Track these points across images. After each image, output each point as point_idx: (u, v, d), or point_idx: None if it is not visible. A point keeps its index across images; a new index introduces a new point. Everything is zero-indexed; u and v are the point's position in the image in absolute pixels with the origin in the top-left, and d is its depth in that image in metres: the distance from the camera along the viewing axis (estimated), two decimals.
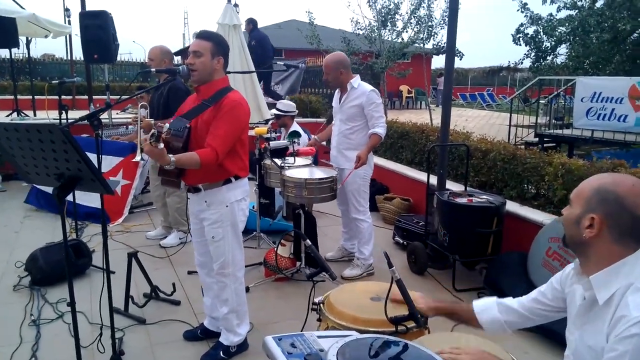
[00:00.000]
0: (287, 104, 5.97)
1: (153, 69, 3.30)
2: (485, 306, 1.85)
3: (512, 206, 4.37)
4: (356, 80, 4.15)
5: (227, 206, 2.85)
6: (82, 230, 5.29)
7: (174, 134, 2.77)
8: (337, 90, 4.33)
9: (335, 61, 4.13)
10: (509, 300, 1.83)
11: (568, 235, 1.55)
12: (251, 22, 10.04)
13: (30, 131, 2.06)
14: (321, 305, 2.05)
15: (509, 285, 3.75)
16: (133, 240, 5.11)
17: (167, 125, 2.67)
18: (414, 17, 10.87)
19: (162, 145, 2.45)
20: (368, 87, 4.12)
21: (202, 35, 2.80)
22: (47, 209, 5.94)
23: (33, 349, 3.12)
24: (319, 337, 1.57)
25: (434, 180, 4.75)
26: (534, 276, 3.75)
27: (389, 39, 11.10)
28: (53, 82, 5.25)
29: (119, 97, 4.23)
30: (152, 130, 2.39)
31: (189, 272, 4.28)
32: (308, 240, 2.18)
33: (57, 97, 4.74)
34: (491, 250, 4.04)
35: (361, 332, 1.77)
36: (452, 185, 4.99)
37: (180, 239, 5.05)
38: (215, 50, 2.76)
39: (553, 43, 13.88)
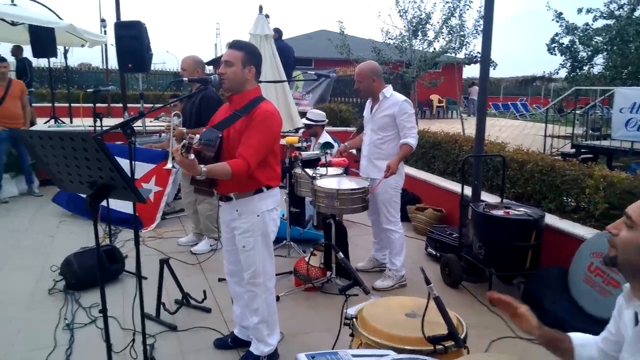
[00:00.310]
0: (317, 114, 5.96)
1: (185, 78, 3.31)
2: (585, 341, 1.71)
3: (551, 219, 4.22)
4: (388, 90, 4.09)
5: (258, 216, 2.82)
6: (116, 236, 5.35)
7: (206, 144, 2.76)
8: (368, 100, 4.28)
9: (369, 69, 4.08)
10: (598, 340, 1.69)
11: (626, 259, 1.42)
12: (277, 32, 10.11)
13: (64, 139, 2.07)
14: (354, 320, 1.98)
15: (549, 301, 3.62)
16: (165, 247, 5.14)
17: (198, 136, 2.66)
18: (446, 26, 10.75)
19: (192, 156, 2.44)
20: (400, 97, 4.06)
21: (234, 45, 2.79)
22: (78, 214, 6.03)
23: (67, 353, 3.14)
24: (354, 356, 1.51)
25: (467, 191, 4.64)
26: (575, 292, 3.60)
27: (420, 48, 10.99)
28: (88, 90, 5.34)
29: (152, 105, 4.28)
30: (183, 141, 2.38)
31: (220, 280, 4.27)
32: (340, 253, 2.12)
33: (92, 105, 4.81)
34: (529, 264, 3.90)
35: (397, 350, 1.70)
36: (487, 197, 4.87)
37: (211, 245, 5.06)
38: (246, 59, 2.75)
39: (589, 53, 13.52)
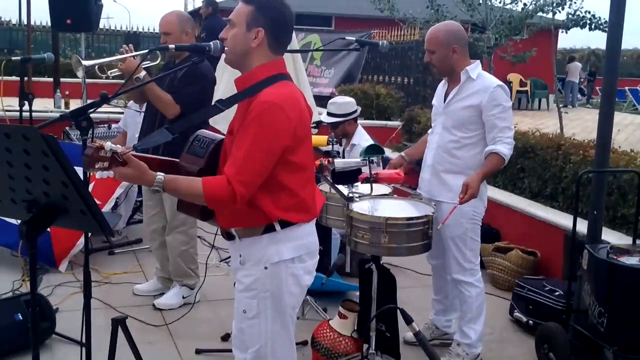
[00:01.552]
0: (342, 103, 5.84)
1: (172, 46, 3.26)
2: None
3: None
4: (475, 68, 4.05)
5: (265, 268, 2.69)
6: (41, 278, 5.31)
7: (191, 152, 2.69)
8: (442, 82, 4.28)
9: (447, 32, 4.06)
10: None
11: None
12: (210, 5, 10.03)
13: None
14: None
15: None
16: (114, 297, 5.13)
17: (109, 144, 2.31)
18: None
19: (106, 174, 2.29)
20: (493, 80, 4.04)
21: None
22: None
23: None
24: None
25: (580, 225, 4.54)
26: None
27: (501, 4, 10.95)
28: (14, 58, 5.34)
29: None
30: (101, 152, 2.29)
31: (198, 351, 4.24)
32: (415, 324, 2.05)
33: (16, 78, 4.80)
34: None
35: None
36: (609, 235, 4.79)
37: (184, 297, 5.02)
38: (253, 18, 2.63)
39: None
